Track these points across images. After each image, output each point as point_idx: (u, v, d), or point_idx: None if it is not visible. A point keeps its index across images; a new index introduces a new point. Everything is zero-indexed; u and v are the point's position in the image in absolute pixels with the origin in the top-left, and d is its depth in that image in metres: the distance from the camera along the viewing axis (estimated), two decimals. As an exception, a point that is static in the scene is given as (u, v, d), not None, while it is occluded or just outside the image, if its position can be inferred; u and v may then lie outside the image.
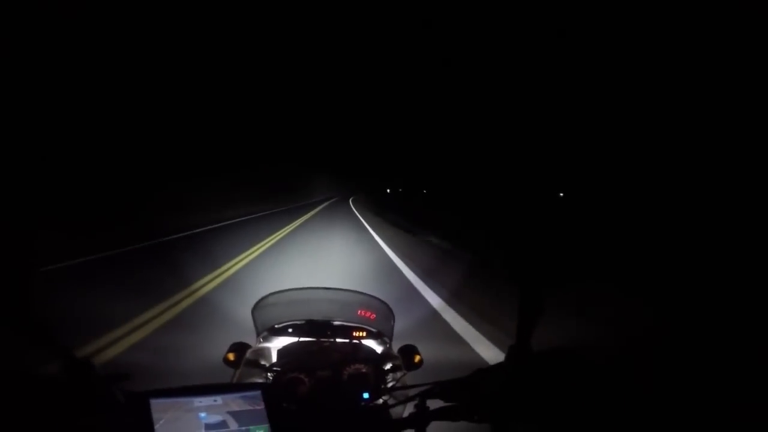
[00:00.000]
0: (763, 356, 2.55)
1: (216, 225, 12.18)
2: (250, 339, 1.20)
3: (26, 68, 7.88)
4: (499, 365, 0.72)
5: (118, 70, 10.54)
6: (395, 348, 1.16)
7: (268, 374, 1.00)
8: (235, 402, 0.72)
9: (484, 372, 0.73)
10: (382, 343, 1.20)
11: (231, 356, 1.09)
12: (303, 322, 1.21)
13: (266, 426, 0.72)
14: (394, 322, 1.22)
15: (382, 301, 1.24)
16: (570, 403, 0.64)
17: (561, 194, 22.91)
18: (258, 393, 0.73)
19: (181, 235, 9.55)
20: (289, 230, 11.81)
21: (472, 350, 3.12)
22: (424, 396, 0.79)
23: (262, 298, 1.24)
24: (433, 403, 0.78)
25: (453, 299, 4.40)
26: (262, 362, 1.06)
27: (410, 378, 1.03)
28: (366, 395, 0.93)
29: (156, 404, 0.69)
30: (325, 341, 1.14)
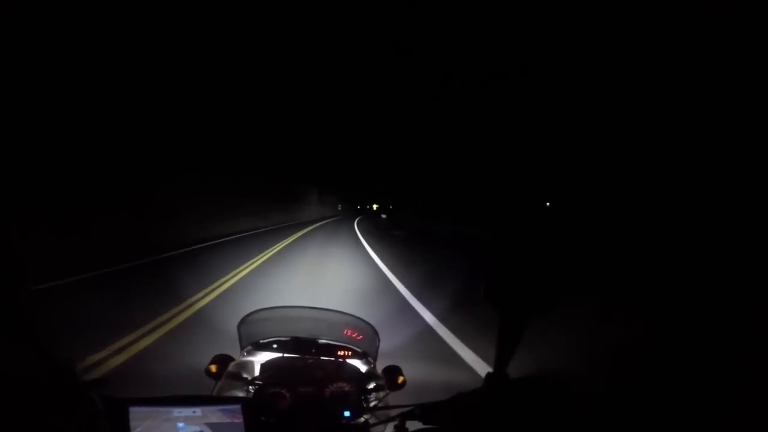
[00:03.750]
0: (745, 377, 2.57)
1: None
2: (233, 352, 1.19)
3: (23, 68, 7.89)
4: (478, 390, 0.73)
5: (112, 76, 10.53)
6: (379, 368, 1.16)
7: (250, 388, 0.99)
8: (214, 414, 0.72)
9: (464, 396, 0.74)
10: (366, 362, 1.20)
11: (213, 368, 1.08)
12: (288, 338, 1.21)
13: None
14: (379, 343, 1.22)
15: (368, 323, 1.25)
16: (546, 428, 0.65)
17: (547, 203, 22.52)
18: (237, 407, 0.73)
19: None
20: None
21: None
22: (404, 417, 0.79)
23: (249, 314, 1.24)
24: (413, 425, 0.78)
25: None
26: (245, 375, 1.05)
27: (393, 398, 1.03)
28: (347, 413, 0.92)
29: (134, 412, 0.69)
30: (309, 358, 1.14)
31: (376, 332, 1.22)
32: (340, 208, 57.07)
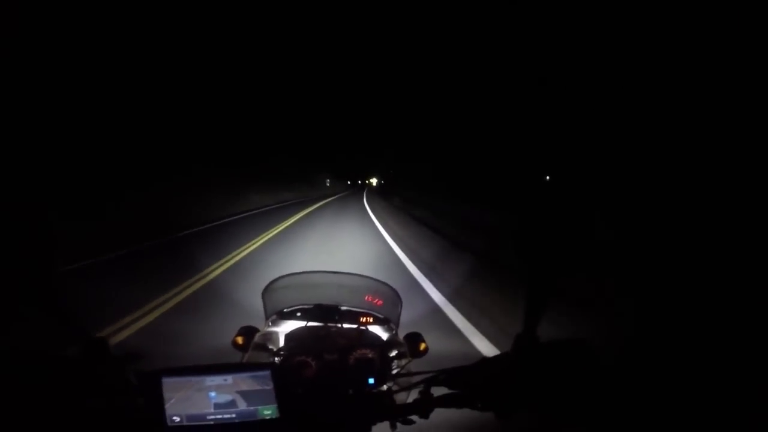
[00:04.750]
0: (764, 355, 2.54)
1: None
2: (258, 323, 1.22)
3: (25, 66, 7.95)
4: (504, 354, 0.73)
5: (115, 65, 10.51)
6: (401, 335, 1.17)
7: (276, 358, 1.02)
8: (244, 382, 0.74)
9: (489, 361, 0.74)
10: (388, 329, 1.21)
11: (239, 340, 1.11)
12: (311, 306, 1.22)
13: (274, 406, 0.74)
14: (401, 308, 1.23)
15: (390, 287, 1.25)
16: (573, 392, 0.65)
17: (547, 177, 21.61)
18: (267, 373, 0.75)
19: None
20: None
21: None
22: (428, 383, 0.80)
23: (272, 282, 1.26)
24: (438, 391, 0.79)
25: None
26: (270, 346, 1.08)
27: (415, 365, 1.04)
28: (371, 380, 0.94)
29: (167, 383, 0.71)
30: (332, 326, 1.15)
31: (398, 296, 1.23)
32: (328, 184, 49.89)
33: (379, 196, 35.09)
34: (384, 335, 1.18)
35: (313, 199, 25.52)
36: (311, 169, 39.13)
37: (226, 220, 12.79)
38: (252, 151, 22.23)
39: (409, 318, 1.34)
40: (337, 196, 35.09)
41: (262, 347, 1.07)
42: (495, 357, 0.74)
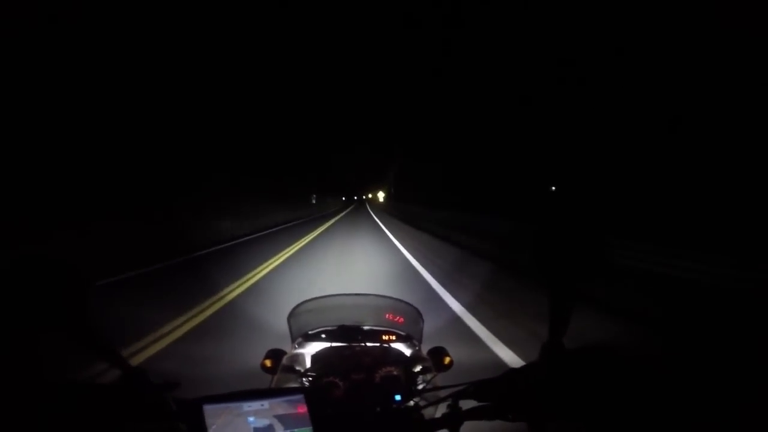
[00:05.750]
0: None
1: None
2: (285, 345, 1.24)
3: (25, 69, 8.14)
4: (532, 364, 0.74)
5: (110, 74, 10.56)
6: (425, 350, 1.18)
7: (304, 379, 1.04)
8: (280, 406, 0.76)
9: (518, 371, 0.75)
10: (411, 345, 1.23)
11: (268, 362, 1.14)
12: (335, 327, 1.25)
13: (309, 429, 0.75)
14: (422, 324, 1.25)
15: (411, 305, 1.27)
16: (606, 400, 0.65)
17: (552, 188, 21.24)
18: (301, 397, 0.77)
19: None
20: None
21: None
22: (456, 396, 0.80)
23: (297, 306, 1.30)
24: (466, 404, 0.79)
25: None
26: (298, 368, 1.10)
27: (441, 379, 1.05)
28: (398, 397, 0.95)
29: (208, 410, 0.73)
30: (356, 346, 1.17)
31: (419, 313, 1.25)
32: (314, 201, 36.63)
33: (402, 221, 20.47)
34: (407, 351, 1.20)
35: (291, 232, 14.66)
36: (291, 184, 28.98)
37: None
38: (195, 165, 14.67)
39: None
40: (328, 225, 19.37)
41: (290, 369, 1.09)
42: (523, 367, 0.75)
